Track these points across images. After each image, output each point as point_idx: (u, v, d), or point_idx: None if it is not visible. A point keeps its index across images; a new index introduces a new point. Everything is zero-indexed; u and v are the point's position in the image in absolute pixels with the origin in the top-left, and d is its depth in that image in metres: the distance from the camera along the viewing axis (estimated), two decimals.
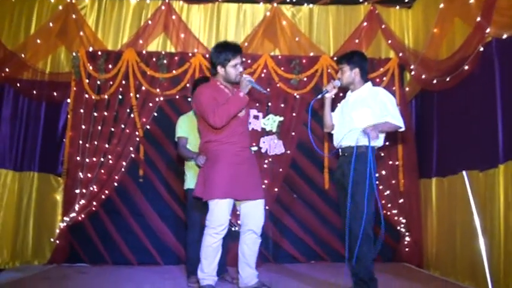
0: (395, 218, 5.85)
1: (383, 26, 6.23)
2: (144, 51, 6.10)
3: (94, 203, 5.72)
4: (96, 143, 5.86)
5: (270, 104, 6.08)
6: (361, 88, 4.03)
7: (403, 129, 3.94)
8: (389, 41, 6.21)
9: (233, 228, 4.03)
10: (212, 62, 4.00)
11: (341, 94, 4.53)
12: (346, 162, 3.86)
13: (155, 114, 6.03)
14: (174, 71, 6.04)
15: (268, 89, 4.02)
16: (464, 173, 4.82)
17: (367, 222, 3.69)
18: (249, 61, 6.04)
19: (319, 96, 4.15)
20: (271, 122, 6.02)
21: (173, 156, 5.94)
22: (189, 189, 4.54)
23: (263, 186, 4.12)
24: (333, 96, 4.14)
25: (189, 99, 6.01)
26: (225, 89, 3.97)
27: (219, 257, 3.90)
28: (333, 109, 4.25)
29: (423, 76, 5.53)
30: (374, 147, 3.87)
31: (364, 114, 3.87)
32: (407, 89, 6.16)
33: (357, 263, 3.70)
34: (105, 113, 5.94)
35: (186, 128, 4.63)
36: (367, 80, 4.11)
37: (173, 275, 5.07)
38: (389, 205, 5.87)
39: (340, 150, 4.03)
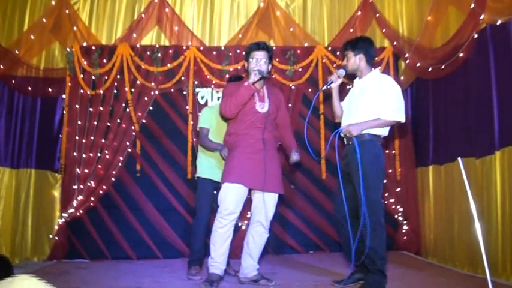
0: (393, 206, 5.87)
1: (377, 15, 6.21)
2: (138, 45, 6.08)
3: (92, 199, 5.72)
4: (92, 138, 5.85)
5: None
6: (368, 75, 3.98)
7: (403, 121, 3.85)
8: (384, 30, 6.20)
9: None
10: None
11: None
12: (351, 152, 3.86)
13: (151, 108, 6.02)
14: (168, 65, 6.02)
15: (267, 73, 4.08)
16: (459, 159, 4.82)
17: (378, 211, 3.71)
18: (243, 53, 6.02)
19: (325, 87, 4.14)
20: None
21: (170, 150, 5.94)
22: (199, 177, 4.56)
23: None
24: (346, 81, 4.09)
25: (184, 92, 6.02)
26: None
27: (227, 245, 3.94)
28: (342, 98, 4.23)
29: (418, 64, 5.53)
30: (380, 136, 3.86)
31: (369, 103, 3.85)
32: (402, 77, 6.16)
33: (371, 253, 3.71)
34: (101, 108, 5.93)
35: (208, 119, 4.60)
36: (374, 66, 4.07)
37: (173, 268, 5.08)
38: (386, 194, 5.89)
39: (345, 139, 4.02)
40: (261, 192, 4.01)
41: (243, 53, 4.20)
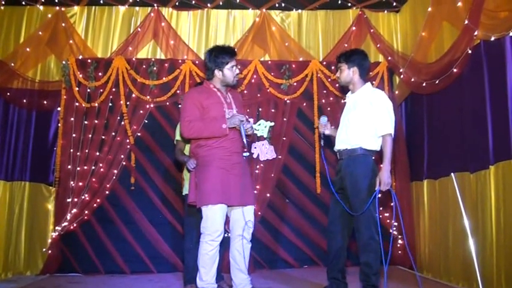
0: (388, 221, 5.86)
1: (372, 30, 6.28)
2: (134, 59, 6.10)
3: (86, 212, 5.69)
4: (87, 151, 5.84)
5: (260, 109, 6.12)
6: (360, 90, 3.98)
7: (391, 134, 3.82)
8: (378, 45, 6.26)
9: (226, 234, 3.96)
10: (208, 66, 3.98)
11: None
12: (344, 166, 3.87)
13: (146, 121, 6.02)
14: (164, 78, 6.04)
15: (247, 141, 3.91)
16: (453, 175, 4.85)
17: (372, 227, 3.71)
18: (238, 67, 6.04)
19: (322, 141, 4.15)
20: (262, 127, 6.03)
21: (165, 163, 5.93)
22: (187, 194, 4.50)
23: (255, 191, 4.05)
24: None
25: (180, 105, 6.02)
26: (217, 92, 3.94)
27: (217, 264, 3.85)
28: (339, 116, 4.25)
29: (412, 79, 5.56)
30: (372, 150, 3.86)
31: (361, 117, 3.86)
32: (396, 92, 6.20)
33: (366, 269, 3.71)
34: (96, 121, 5.93)
35: None
36: (367, 80, 4.09)
37: (167, 282, 5.05)
38: (381, 208, 5.88)
39: (338, 153, 4.03)
40: (240, 207, 3.89)
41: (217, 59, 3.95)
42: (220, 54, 3.94)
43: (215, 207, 3.73)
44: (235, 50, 4.06)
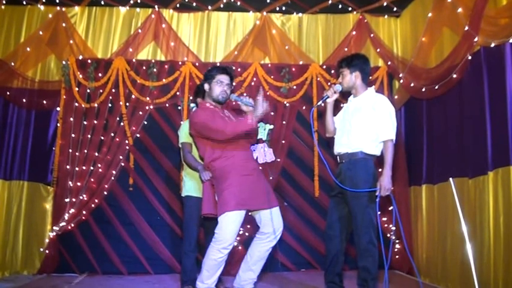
0: (386, 225, 5.86)
1: (372, 35, 6.29)
2: (134, 60, 6.10)
3: (84, 212, 5.69)
4: (86, 151, 5.84)
5: None
6: (363, 94, 4.00)
7: (393, 140, 3.86)
8: (378, 50, 6.26)
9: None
10: (202, 83, 4.14)
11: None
12: (344, 170, 3.87)
13: (145, 122, 6.02)
14: (164, 80, 6.05)
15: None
16: (451, 180, 4.86)
17: (371, 231, 3.72)
18: (239, 69, 6.09)
19: (320, 102, 4.12)
20: (262, 130, 6.03)
21: (163, 165, 5.93)
22: (187, 196, 4.50)
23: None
24: (339, 99, 4.11)
25: (179, 107, 6.03)
26: (215, 108, 4.03)
27: (221, 270, 3.87)
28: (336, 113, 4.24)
29: (412, 84, 5.57)
30: (373, 155, 3.88)
31: (363, 121, 3.87)
32: (396, 97, 6.20)
33: (364, 274, 3.72)
34: (95, 122, 5.93)
35: (189, 133, 4.50)
36: (368, 85, 4.10)
37: (164, 284, 5.05)
38: (379, 213, 5.87)
39: (338, 157, 4.03)
40: (265, 210, 3.91)
41: (233, 83, 4.17)
42: (213, 69, 4.12)
43: (233, 214, 3.74)
44: (229, 69, 4.15)
